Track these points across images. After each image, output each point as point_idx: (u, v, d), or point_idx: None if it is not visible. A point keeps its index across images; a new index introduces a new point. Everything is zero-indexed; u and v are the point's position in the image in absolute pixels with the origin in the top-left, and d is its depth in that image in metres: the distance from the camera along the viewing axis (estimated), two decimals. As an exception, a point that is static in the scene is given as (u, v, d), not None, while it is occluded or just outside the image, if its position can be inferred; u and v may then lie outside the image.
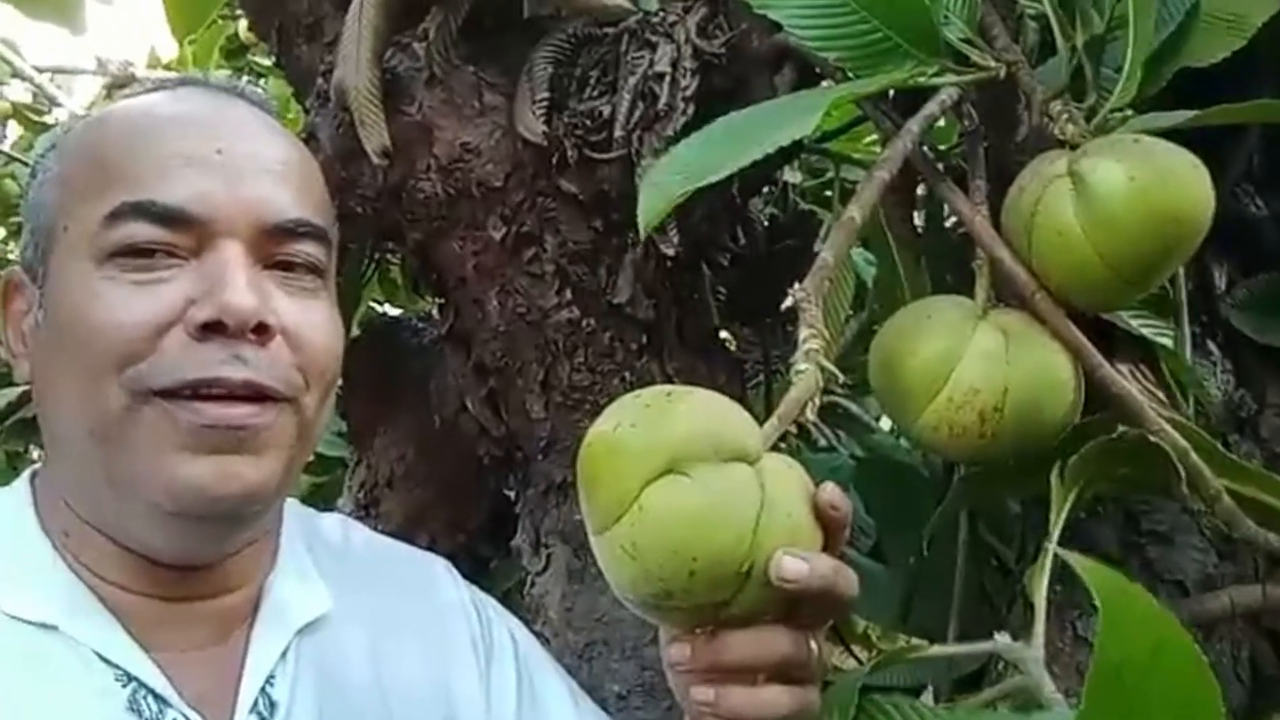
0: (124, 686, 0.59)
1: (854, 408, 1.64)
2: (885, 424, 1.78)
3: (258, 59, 1.96)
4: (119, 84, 2.22)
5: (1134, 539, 0.86)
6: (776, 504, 0.53)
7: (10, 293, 0.65)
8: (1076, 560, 0.30)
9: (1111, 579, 0.30)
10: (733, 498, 0.52)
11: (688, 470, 0.52)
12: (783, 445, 0.58)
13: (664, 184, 0.62)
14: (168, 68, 2.25)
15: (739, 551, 0.52)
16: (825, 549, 0.54)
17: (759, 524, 0.52)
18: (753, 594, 0.53)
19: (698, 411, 0.55)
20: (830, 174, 1.29)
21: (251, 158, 0.62)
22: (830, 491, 0.54)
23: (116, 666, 0.59)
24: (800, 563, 0.51)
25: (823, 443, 1.49)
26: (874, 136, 1.27)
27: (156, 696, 0.59)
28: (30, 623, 0.59)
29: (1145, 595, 0.31)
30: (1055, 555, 0.64)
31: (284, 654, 0.64)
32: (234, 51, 2.11)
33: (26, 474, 0.66)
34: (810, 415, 0.58)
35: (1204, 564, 0.87)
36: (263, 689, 0.62)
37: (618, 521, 0.52)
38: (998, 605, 0.98)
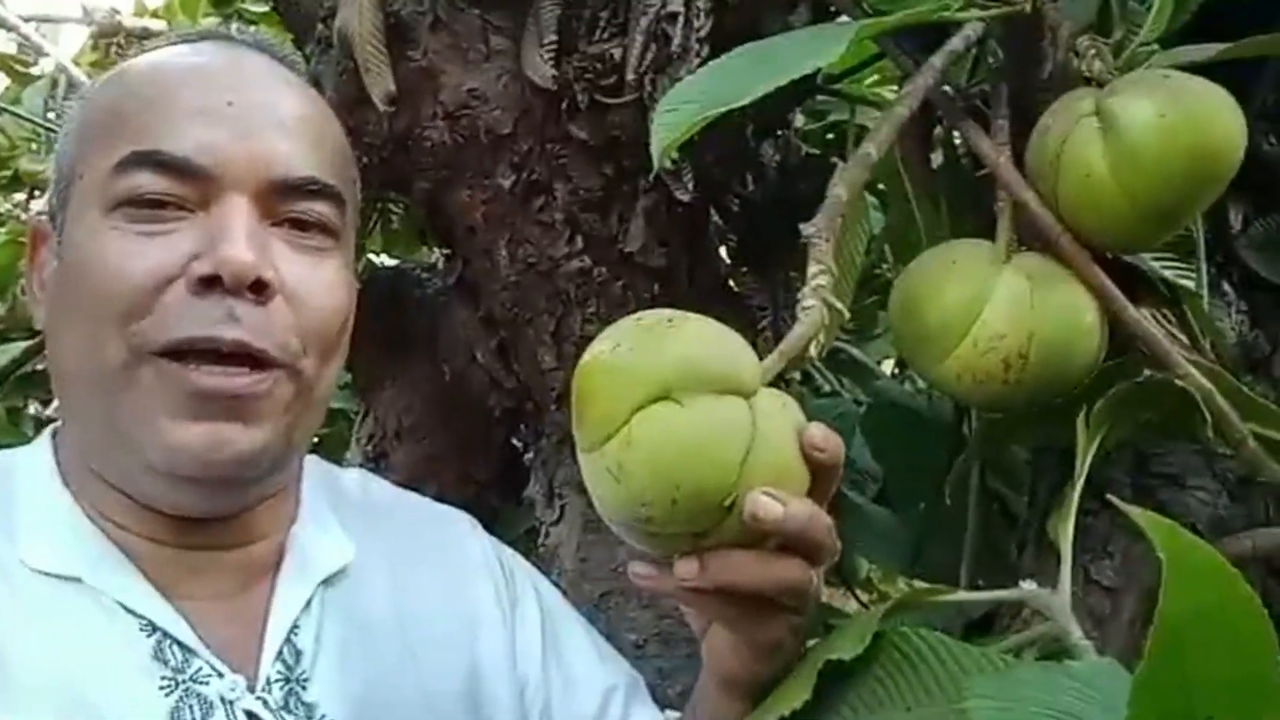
0: (149, 636, 0.59)
1: (857, 353, 1.64)
2: (888, 369, 1.78)
3: (247, 6, 1.92)
4: (105, 33, 2.18)
5: (1145, 481, 0.86)
6: (766, 441, 0.52)
7: (36, 241, 0.66)
8: (1138, 514, 0.30)
9: (1173, 531, 0.29)
10: (723, 431, 0.51)
11: (681, 398, 0.51)
12: (786, 390, 0.57)
13: (679, 111, 0.59)
14: (154, 16, 2.21)
15: (723, 485, 0.51)
16: (814, 490, 0.54)
17: (746, 460, 0.51)
18: (732, 529, 0.52)
19: (696, 339, 0.54)
20: (833, 118, 1.27)
21: (264, 111, 0.61)
22: (815, 433, 0.53)
23: (141, 616, 0.60)
24: (775, 504, 0.51)
25: (826, 388, 1.48)
26: (875, 78, 1.25)
27: (181, 645, 0.60)
28: (54, 575, 0.59)
29: (1206, 547, 0.30)
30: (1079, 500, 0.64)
31: (308, 604, 0.64)
32: (221, 0, 2.06)
33: (48, 430, 0.66)
34: (814, 353, 0.57)
35: (1215, 506, 0.86)
36: (287, 638, 0.63)
37: (606, 442, 0.52)
38: (1003, 551, 0.98)
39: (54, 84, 2.15)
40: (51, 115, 2.06)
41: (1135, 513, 0.30)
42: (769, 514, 0.51)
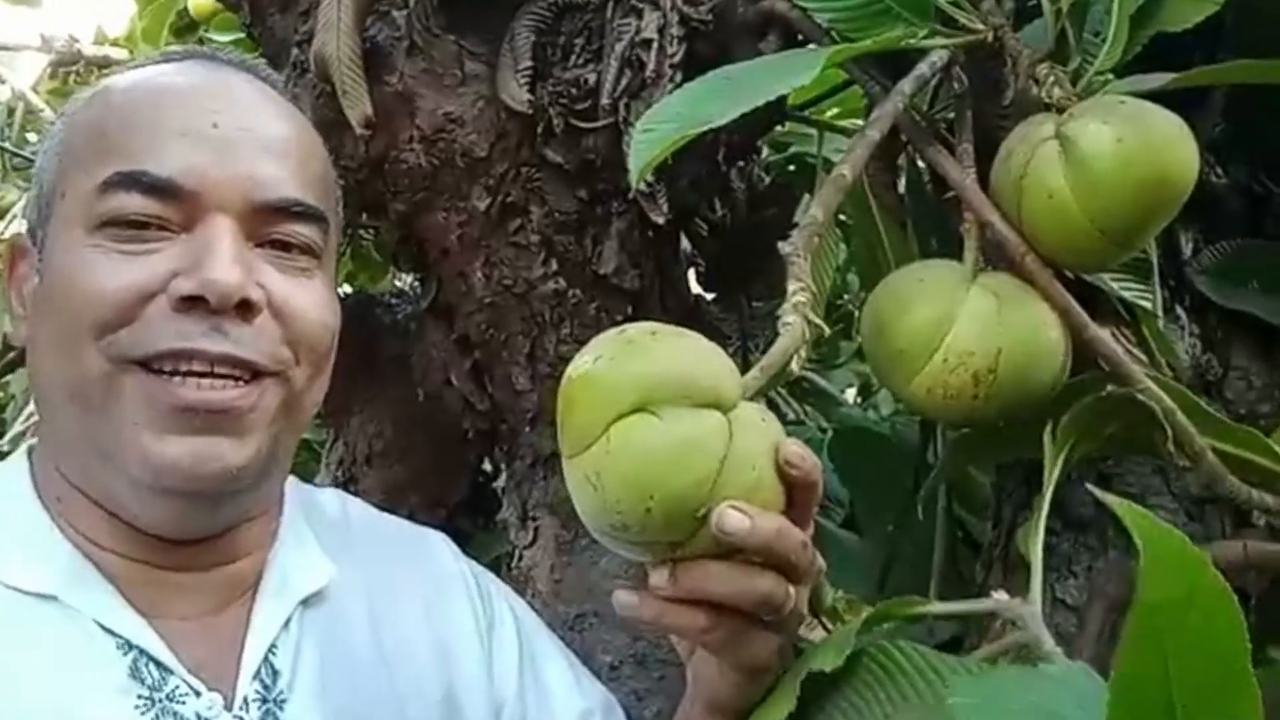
0: (125, 655, 0.59)
1: (821, 381, 1.66)
2: (851, 396, 1.80)
3: (211, 35, 1.92)
4: (64, 61, 2.16)
5: (1106, 499, 0.88)
6: (740, 456, 0.53)
7: (15, 257, 0.65)
8: (1115, 501, 0.31)
9: (1149, 520, 0.31)
10: (697, 444, 0.53)
11: (657, 410, 0.53)
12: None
13: (657, 131, 0.61)
14: (115, 44, 2.20)
15: (696, 497, 0.52)
16: (791, 506, 0.55)
17: (720, 473, 0.53)
18: (705, 540, 0.53)
19: (676, 353, 0.55)
20: (794, 149, 1.30)
21: (248, 132, 0.62)
22: (789, 449, 0.54)
23: (117, 635, 0.59)
24: (742, 518, 0.52)
25: (790, 416, 1.50)
26: (836, 110, 1.28)
27: (158, 664, 0.59)
28: (29, 593, 0.59)
29: (1181, 537, 0.31)
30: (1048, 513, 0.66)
31: (286, 624, 0.64)
32: (184, 29, 2.06)
33: (24, 448, 0.65)
34: (796, 368, 0.59)
35: (1173, 524, 0.88)
36: (265, 658, 0.62)
37: (585, 450, 0.53)
38: (968, 574, 1.00)
39: (11, 112, 2.13)
40: (8, 144, 2.04)
41: (1112, 500, 0.31)
42: (735, 527, 0.52)
